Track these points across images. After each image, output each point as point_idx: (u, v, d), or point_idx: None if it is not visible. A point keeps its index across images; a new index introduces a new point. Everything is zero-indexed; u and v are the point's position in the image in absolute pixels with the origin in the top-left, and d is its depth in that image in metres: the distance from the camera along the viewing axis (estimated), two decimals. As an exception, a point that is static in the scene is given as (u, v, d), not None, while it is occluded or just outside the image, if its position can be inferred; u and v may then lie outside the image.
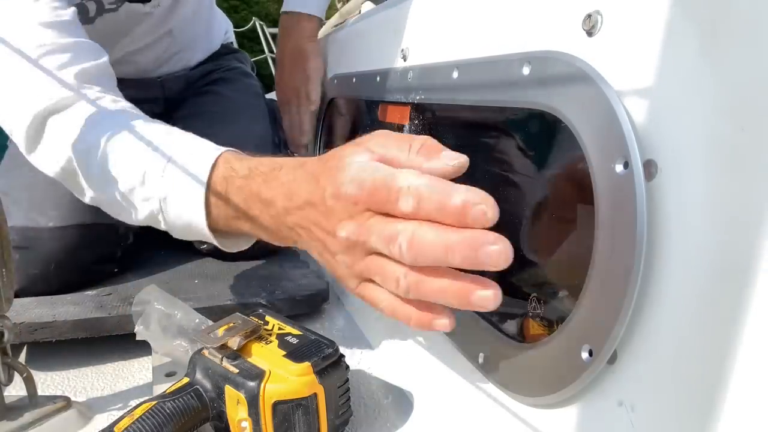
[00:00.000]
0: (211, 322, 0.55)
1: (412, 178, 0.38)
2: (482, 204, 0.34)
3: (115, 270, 0.85)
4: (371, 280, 0.43)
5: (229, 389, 0.47)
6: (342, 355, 0.50)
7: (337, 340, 0.51)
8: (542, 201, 0.41)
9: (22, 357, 0.67)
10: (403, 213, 0.38)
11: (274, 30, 6.00)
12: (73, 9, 0.70)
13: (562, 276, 0.39)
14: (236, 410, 0.47)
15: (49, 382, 0.62)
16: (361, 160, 0.41)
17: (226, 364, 0.48)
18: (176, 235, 0.62)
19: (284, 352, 0.48)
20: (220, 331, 0.50)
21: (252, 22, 5.42)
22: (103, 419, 0.55)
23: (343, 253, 0.43)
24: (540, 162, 0.41)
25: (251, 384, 0.46)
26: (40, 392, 0.55)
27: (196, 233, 0.59)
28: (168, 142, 0.61)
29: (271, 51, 5.08)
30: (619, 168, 0.31)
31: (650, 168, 0.30)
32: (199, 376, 0.49)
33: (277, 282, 0.80)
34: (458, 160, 0.39)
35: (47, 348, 0.66)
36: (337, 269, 0.46)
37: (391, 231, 0.38)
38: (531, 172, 0.42)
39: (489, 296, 0.35)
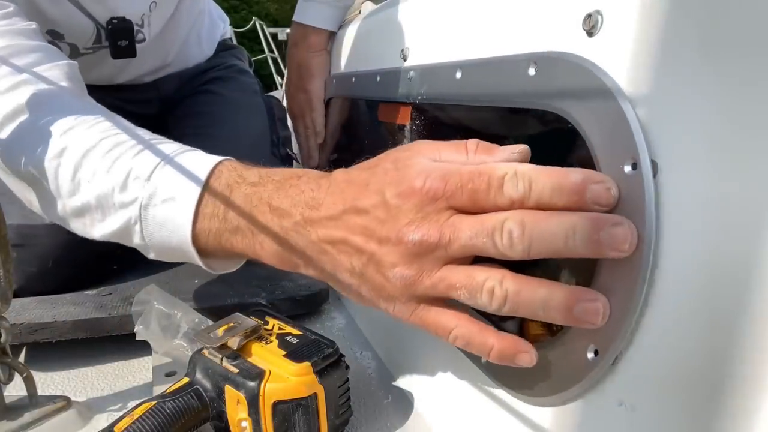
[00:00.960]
0: (211, 322, 0.55)
1: (514, 165, 0.34)
2: (605, 181, 0.31)
3: (115, 268, 0.84)
4: (437, 301, 0.38)
5: (229, 389, 0.47)
6: (342, 355, 0.50)
7: (337, 340, 0.51)
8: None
9: (22, 357, 0.67)
10: (511, 200, 0.33)
11: (274, 30, 5.99)
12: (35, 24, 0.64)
13: (568, 276, 0.39)
14: (236, 410, 0.47)
15: (49, 382, 0.62)
16: (425, 160, 0.37)
17: (226, 364, 0.48)
18: (152, 253, 0.54)
19: (284, 352, 0.48)
20: (220, 331, 0.50)
21: (252, 22, 5.42)
22: (103, 419, 0.55)
23: (407, 264, 0.37)
24: (547, 163, 0.41)
25: (251, 384, 0.46)
26: (40, 392, 0.55)
27: (175, 249, 0.51)
28: (160, 144, 0.54)
29: (271, 51, 5.08)
30: (627, 168, 0.31)
31: (655, 168, 0.30)
32: (199, 376, 0.49)
33: (277, 282, 0.80)
34: (520, 150, 0.36)
35: (47, 348, 0.65)
36: (387, 289, 0.39)
37: (494, 221, 0.33)
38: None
39: (597, 308, 0.31)
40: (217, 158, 0.51)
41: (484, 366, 0.45)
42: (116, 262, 0.85)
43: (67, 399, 0.56)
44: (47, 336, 0.64)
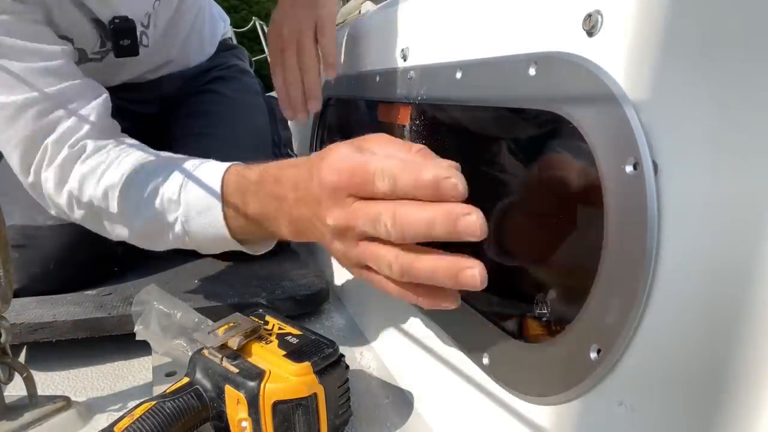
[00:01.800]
0: (211, 322, 0.55)
1: (385, 160, 0.40)
2: (452, 177, 0.36)
3: (116, 269, 0.85)
4: (369, 267, 0.44)
5: (229, 389, 0.47)
6: (342, 355, 0.50)
7: (337, 340, 0.51)
8: (550, 202, 0.41)
9: (22, 357, 0.67)
10: (383, 193, 0.39)
11: (274, 30, 5.98)
12: (61, 48, 0.70)
13: (570, 276, 0.39)
14: (236, 410, 0.47)
15: (49, 382, 0.62)
16: (344, 150, 0.43)
17: (226, 364, 0.48)
18: (206, 251, 0.65)
19: (284, 352, 0.48)
20: (220, 331, 0.50)
21: (252, 22, 5.41)
22: (103, 419, 0.55)
23: (338, 240, 0.45)
24: (546, 163, 0.41)
25: (251, 384, 0.46)
26: (40, 392, 0.55)
27: (224, 246, 0.62)
28: (178, 166, 0.63)
29: (271, 51, 5.07)
30: (629, 169, 0.31)
31: (657, 168, 0.30)
32: (199, 376, 0.49)
33: (277, 282, 0.80)
34: (450, 163, 0.40)
35: (47, 348, 0.65)
36: (338, 258, 0.47)
37: (375, 211, 0.40)
38: (538, 174, 0.42)
39: (475, 274, 0.36)
40: (224, 168, 0.60)
41: (484, 366, 0.45)
42: (117, 263, 0.85)
43: (67, 399, 0.56)
44: (47, 335, 0.64)
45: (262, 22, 5.01)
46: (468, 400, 0.48)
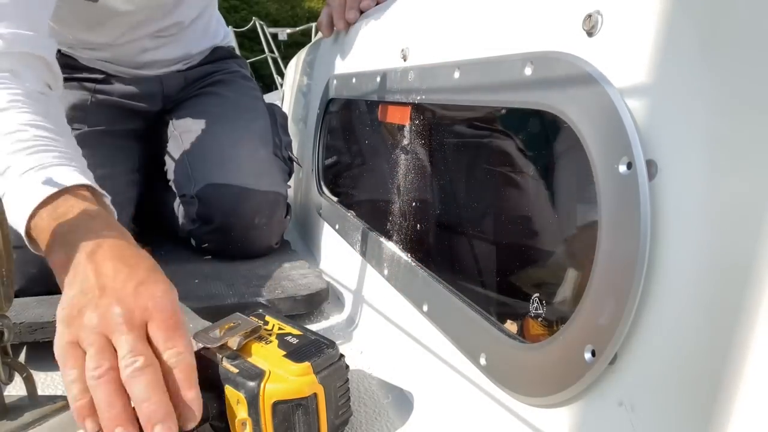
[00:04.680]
0: (210, 323, 0.55)
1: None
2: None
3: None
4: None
5: (229, 389, 0.47)
6: (342, 355, 0.50)
7: (337, 340, 0.51)
8: (544, 201, 0.41)
9: (22, 357, 0.67)
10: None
11: (274, 30, 5.99)
12: None
13: (564, 276, 0.39)
14: (236, 410, 0.47)
15: (49, 382, 0.62)
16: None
17: (226, 364, 0.48)
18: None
19: (284, 352, 0.48)
20: (220, 331, 0.50)
21: (252, 22, 5.42)
22: (103, 419, 0.55)
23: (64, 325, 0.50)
24: (542, 162, 0.41)
25: (251, 384, 0.46)
26: (40, 392, 0.55)
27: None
28: (37, 154, 0.61)
29: (271, 51, 5.08)
30: (622, 168, 0.31)
31: (651, 168, 0.30)
32: (199, 376, 0.49)
33: (277, 282, 0.80)
34: None
35: (47, 348, 0.65)
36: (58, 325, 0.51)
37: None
38: (533, 173, 0.42)
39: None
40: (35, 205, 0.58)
41: (481, 366, 0.45)
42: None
43: (67, 399, 0.55)
44: (48, 335, 0.64)
45: (262, 23, 5.01)
46: (467, 401, 0.48)
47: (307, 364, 0.47)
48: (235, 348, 0.49)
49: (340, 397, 0.49)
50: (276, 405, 0.45)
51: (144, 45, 1.04)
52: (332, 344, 0.50)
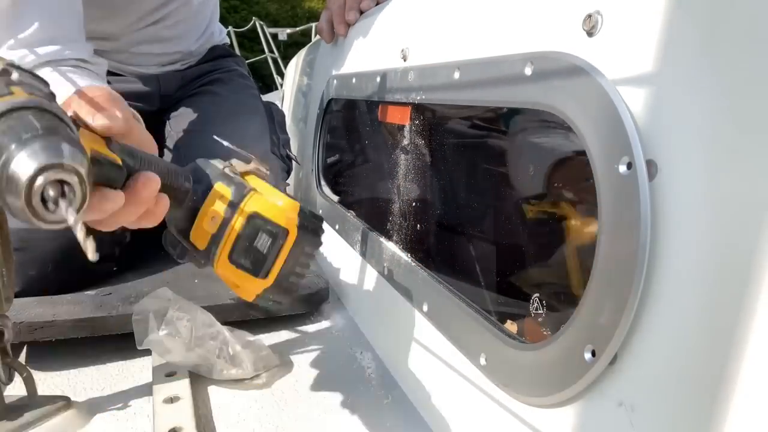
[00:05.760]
0: (218, 323, 0.55)
1: None
2: None
3: (114, 269, 0.84)
4: None
5: (219, 185, 0.48)
6: (323, 231, 0.52)
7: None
8: (544, 201, 0.41)
9: (22, 357, 0.67)
10: None
11: (274, 30, 5.99)
12: None
13: (564, 276, 0.39)
14: (215, 205, 0.48)
15: (49, 382, 0.62)
16: None
17: (227, 171, 0.49)
18: None
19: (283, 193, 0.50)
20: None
21: (252, 22, 5.42)
22: (103, 419, 0.55)
23: None
24: (542, 162, 0.41)
25: (244, 187, 0.48)
26: (40, 392, 0.55)
27: None
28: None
29: (271, 51, 5.08)
30: (622, 168, 0.31)
31: (651, 168, 0.30)
32: (199, 175, 0.50)
33: (277, 282, 0.79)
34: None
35: (47, 348, 0.65)
36: None
37: None
38: (533, 173, 0.42)
39: None
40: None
41: (481, 367, 0.45)
42: (116, 264, 0.85)
43: (67, 399, 0.56)
44: (47, 335, 0.64)
45: (262, 23, 5.01)
46: (467, 401, 0.48)
47: (297, 203, 0.49)
48: (239, 170, 0.50)
49: (302, 257, 0.50)
50: (252, 216, 0.47)
51: (149, 34, 1.03)
52: (321, 219, 0.52)
